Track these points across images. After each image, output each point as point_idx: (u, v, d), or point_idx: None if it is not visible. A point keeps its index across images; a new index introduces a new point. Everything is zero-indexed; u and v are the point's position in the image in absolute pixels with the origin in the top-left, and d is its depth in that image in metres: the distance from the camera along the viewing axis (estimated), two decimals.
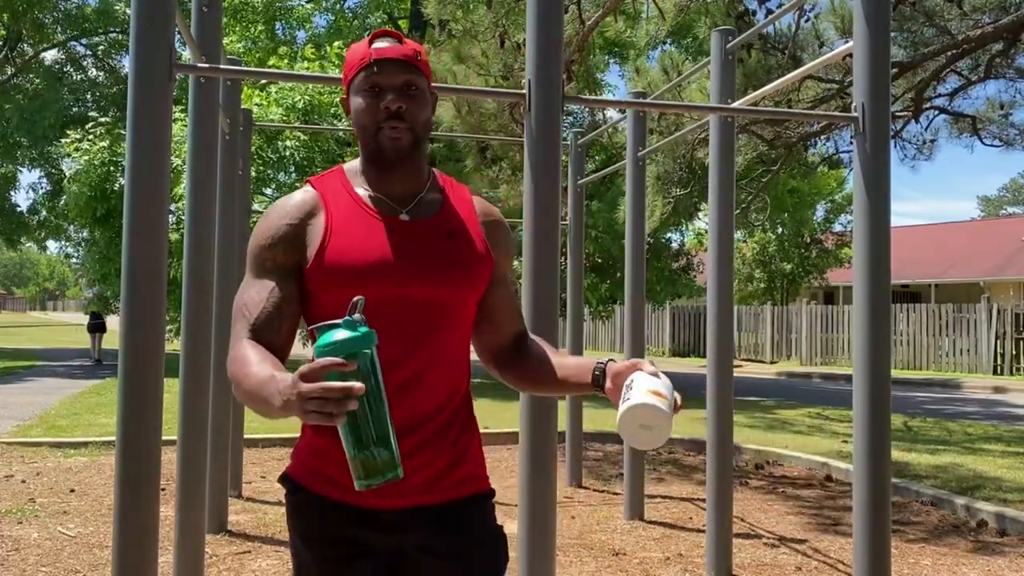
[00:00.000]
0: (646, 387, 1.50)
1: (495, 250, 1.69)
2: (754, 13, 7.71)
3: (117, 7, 24.20)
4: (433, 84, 1.65)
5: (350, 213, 1.59)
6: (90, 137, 15.39)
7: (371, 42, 1.60)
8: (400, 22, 21.28)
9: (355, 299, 1.34)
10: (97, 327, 19.93)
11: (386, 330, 1.49)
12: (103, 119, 16.05)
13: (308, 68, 14.97)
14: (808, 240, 30.14)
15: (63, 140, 16.36)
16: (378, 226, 1.58)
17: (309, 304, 1.59)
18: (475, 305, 1.67)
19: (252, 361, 1.45)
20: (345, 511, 1.55)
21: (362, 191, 1.62)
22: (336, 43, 16.62)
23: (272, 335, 1.55)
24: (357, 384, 1.23)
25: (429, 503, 1.57)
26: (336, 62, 15.62)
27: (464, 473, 1.62)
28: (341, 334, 1.30)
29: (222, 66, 4.36)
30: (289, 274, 1.58)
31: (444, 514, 1.59)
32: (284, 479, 1.64)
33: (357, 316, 1.32)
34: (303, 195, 1.62)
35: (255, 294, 1.58)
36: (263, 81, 14.33)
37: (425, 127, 1.61)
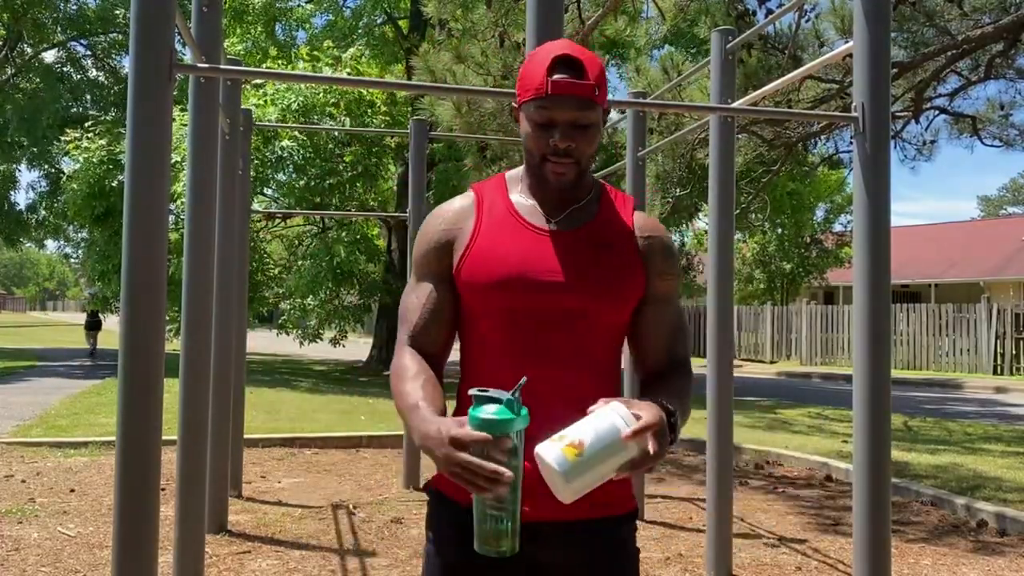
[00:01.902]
0: (567, 432, 1.34)
1: (648, 267, 1.61)
2: (754, 13, 7.72)
3: (117, 12, 24.19)
4: (433, 84, 1.65)
5: (499, 219, 1.59)
6: (89, 135, 15.40)
7: (551, 69, 1.50)
8: (400, 22, 21.25)
9: (522, 380, 1.36)
10: (94, 325, 21.28)
11: (524, 339, 1.53)
12: (104, 118, 16.08)
13: (304, 68, 14.96)
14: (808, 240, 30.16)
15: (62, 139, 16.38)
16: (524, 233, 1.57)
17: (462, 310, 1.61)
18: (626, 320, 1.62)
19: (406, 377, 1.53)
20: None
21: (517, 197, 1.62)
22: (327, 42, 16.57)
23: (428, 341, 1.60)
24: (507, 473, 1.28)
25: (562, 519, 1.53)
26: (329, 62, 15.59)
27: (604, 493, 1.52)
28: (498, 412, 1.32)
29: (222, 66, 4.36)
30: (444, 280, 1.60)
31: (577, 531, 1.55)
32: (427, 487, 1.66)
33: (518, 395, 1.33)
34: (462, 200, 1.65)
35: (415, 299, 1.62)
36: (258, 81, 14.32)
37: (591, 158, 1.57)
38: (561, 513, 1.50)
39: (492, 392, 1.33)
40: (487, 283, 1.54)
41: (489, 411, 1.31)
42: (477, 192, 1.65)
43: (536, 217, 1.59)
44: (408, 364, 1.56)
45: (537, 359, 1.52)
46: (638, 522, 5.54)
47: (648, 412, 1.37)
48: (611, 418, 1.33)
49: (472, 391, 1.36)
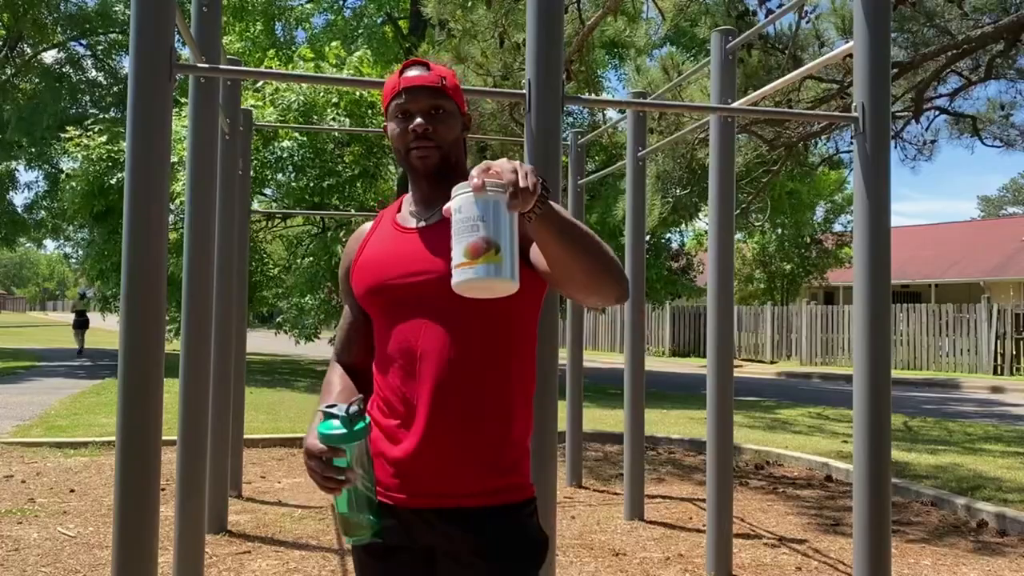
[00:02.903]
0: (465, 246, 1.31)
1: None
2: (754, 13, 7.72)
3: (116, 8, 24.17)
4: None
5: (381, 232, 1.75)
6: (89, 133, 15.40)
7: (401, 72, 1.70)
8: (400, 22, 21.26)
9: (357, 396, 1.56)
10: (81, 324, 22.40)
11: (400, 334, 1.65)
12: (104, 116, 16.09)
13: (305, 68, 14.96)
14: (808, 240, 30.17)
15: (62, 136, 16.36)
16: (393, 238, 1.71)
17: None
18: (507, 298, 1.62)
19: (324, 392, 1.75)
20: (384, 507, 1.64)
21: (403, 209, 1.76)
22: (334, 43, 16.59)
23: (347, 357, 1.80)
24: (338, 479, 1.50)
25: (453, 506, 1.60)
26: (334, 62, 15.60)
27: (492, 484, 1.61)
28: (335, 428, 1.50)
29: (222, 66, 4.36)
30: (354, 298, 1.78)
31: (468, 519, 1.60)
32: None
33: (354, 410, 1.51)
34: (367, 224, 1.82)
35: (341, 319, 1.83)
36: (260, 82, 14.31)
37: (454, 146, 1.70)
38: (449, 501, 1.60)
39: (335, 408, 1.52)
40: (362, 291, 1.70)
41: (329, 427, 1.50)
42: (379, 214, 1.82)
43: (409, 220, 1.72)
44: (330, 380, 1.77)
45: (414, 350, 1.62)
46: (639, 521, 5.57)
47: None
48: (465, 199, 1.32)
49: (320, 407, 1.55)
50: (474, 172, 1.33)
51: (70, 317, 24.64)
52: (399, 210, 1.77)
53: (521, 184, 1.31)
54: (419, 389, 1.60)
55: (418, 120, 1.65)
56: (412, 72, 1.69)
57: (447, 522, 1.60)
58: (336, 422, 1.49)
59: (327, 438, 1.49)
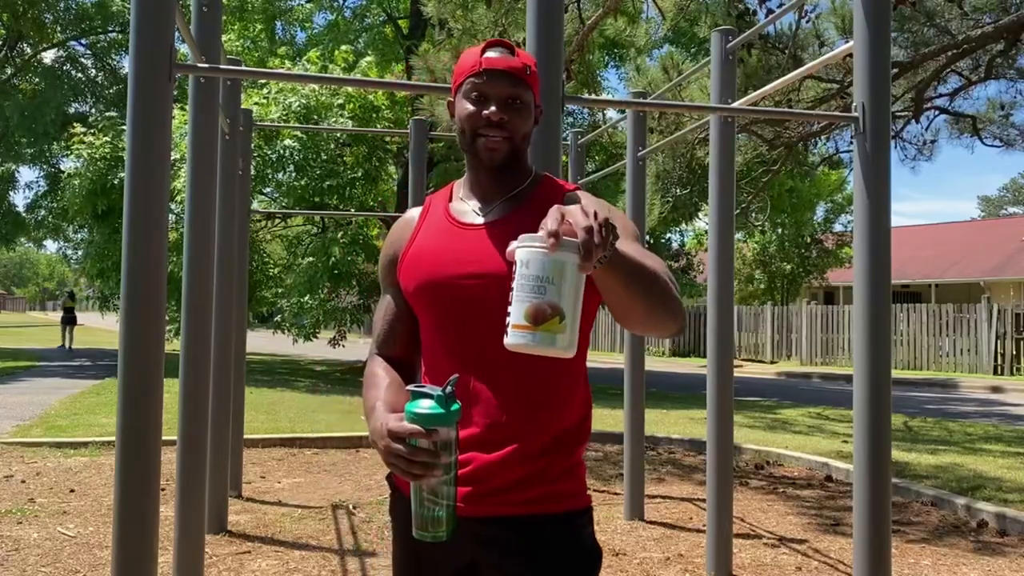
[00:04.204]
0: (527, 307, 1.23)
1: None
2: (754, 13, 7.72)
3: (115, 2, 24.15)
4: (432, 84, 1.67)
5: (434, 223, 1.63)
6: (93, 131, 15.41)
7: (483, 50, 1.59)
8: (400, 22, 21.26)
9: (453, 376, 1.41)
10: (70, 320, 23.57)
11: (452, 336, 1.56)
12: (108, 113, 16.09)
13: (310, 70, 14.96)
14: (808, 240, 30.18)
15: (70, 130, 16.33)
16: (449, 231, 1.60)
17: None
18: None
19: (371, 384, 1.62)
20: None
21: (457, 199, 1.65)
22: (344, 47, 16.62)
23: (390, 349, 1.69)
24: (437, 465, 1.35)
25: (504, 514, 1.52)
26: (343, 66, 15.62)
27: (544, 490, 1.53)
28: (430, 407, 1.37)
29: (222, 66, 4.36)
30: (399, 289, 1.67)
31: (520, 527, 1.52)
32: (388, 478, 1.71)
33: (449, 390, 1.38)
34: (413, 211, 1.70)
35: (380, 310, 1.72)
36: (262, 81, 14.32)
37: (524, 139, 1.61)
38: (501, 508, 1.51)
39: (426, 388, 1.39)
40: (413, 287, 1.60)
41: (422, 406, 1.36)
42: (427, 201, 1.70)
43: (466, 215, 1.61)
44: (374, 371, 1.65)
45: (466, 353, 1.54)
46: (639, 521, 5.56)
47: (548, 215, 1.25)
48: (534, 256, 1.23)
49: (409, 387, 1.42)
50: (548, 222, 1.22)
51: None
52: (450, 199, 1.66)
53: (596, 241, 1.22)
54: (474, 394, 1.52)
55: (494, 108, 1.54)
56: (495, 53, 1.57)
57: (498, 529, 1.51)
58: (431, 402, 1.36)
59: (421, 418, 1.35)
